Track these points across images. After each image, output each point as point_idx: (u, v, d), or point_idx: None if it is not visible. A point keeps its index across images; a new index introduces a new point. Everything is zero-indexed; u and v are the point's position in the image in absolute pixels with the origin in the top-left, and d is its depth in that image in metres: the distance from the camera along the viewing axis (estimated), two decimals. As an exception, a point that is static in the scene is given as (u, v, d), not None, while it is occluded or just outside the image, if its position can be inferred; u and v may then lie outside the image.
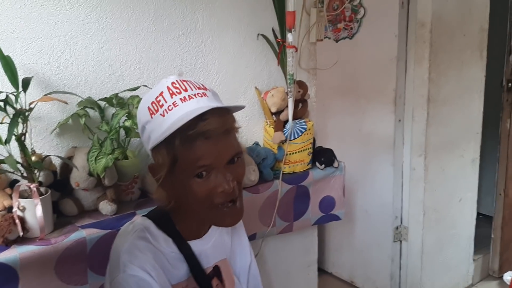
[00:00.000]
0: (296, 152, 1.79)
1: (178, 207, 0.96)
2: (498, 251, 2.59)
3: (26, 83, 1.29)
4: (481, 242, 2.59)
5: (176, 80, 0.90)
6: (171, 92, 0.88)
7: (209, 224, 1.03)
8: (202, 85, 0.93)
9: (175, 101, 0.87)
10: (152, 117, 0.88)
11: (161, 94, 0.88)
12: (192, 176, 0.87)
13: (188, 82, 0.91)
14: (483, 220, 2.70)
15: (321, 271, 2.53)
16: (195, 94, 0.88)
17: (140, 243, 0.93)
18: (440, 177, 2.28)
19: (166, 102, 0.87)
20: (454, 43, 2.22)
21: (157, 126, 0.88)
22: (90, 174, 1.37)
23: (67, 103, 1.36)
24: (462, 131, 2.34)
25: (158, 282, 0.90)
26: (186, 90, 0.88)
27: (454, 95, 2.26)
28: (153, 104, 0.89)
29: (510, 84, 2.43)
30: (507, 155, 2.49)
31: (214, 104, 0.89)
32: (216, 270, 1.04)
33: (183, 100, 0.87)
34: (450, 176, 2.33)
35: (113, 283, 0.91)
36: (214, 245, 1.03)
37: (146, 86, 1.53)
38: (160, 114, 0.87)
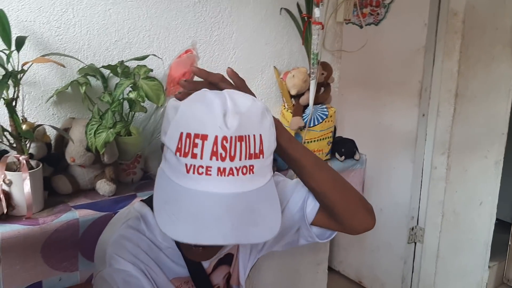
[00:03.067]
0: (314, 141, 1.68)
1: None
2: (514, 259, 2.50)
3: (20, 42, 1.15)
4: (497, 248, 2.50)
5: (231, 137, 0.68)
6: (215, 150, 0.67)
7: None
8: (259, 143, 0.71)
9: (210, 167, 0.68)
10: (176, 154, 0.70)
11: (204, 138, 0.68)
12: None
13: (246, 142, 0.69)
14: (498, 226, 2.60)
15: (328, 268, 2.42)
16: (239, 168, 0.69)
17: (131, 233, 0.83)
18: (462, 177, 2.19)
19: (201, 158, 0.68)
20: (485, 36, 2.12)
21: (173, 169, 0.71)
22: (88, 149, 1.24)
23: (64, 66, 1.21)
24: (487, 130, 2.25)
25: (150, 278, 0.80)
26: (233, 159, 0.68)
27: (481, 92, 2.16)
28: (188, 140, 0.68)
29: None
30: (530, 159, 2.38)
31: (249, 189, 0.71)
32: (228, 258, 0.95)
33: (220, 173, 0.68)
34: (472, 178, 2.24)
35: (96, 278, 0.80)
36: None
37: (155, 55, 1.38)
38: (186, 165, 0.69)
